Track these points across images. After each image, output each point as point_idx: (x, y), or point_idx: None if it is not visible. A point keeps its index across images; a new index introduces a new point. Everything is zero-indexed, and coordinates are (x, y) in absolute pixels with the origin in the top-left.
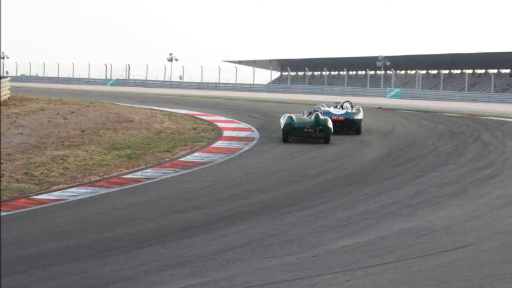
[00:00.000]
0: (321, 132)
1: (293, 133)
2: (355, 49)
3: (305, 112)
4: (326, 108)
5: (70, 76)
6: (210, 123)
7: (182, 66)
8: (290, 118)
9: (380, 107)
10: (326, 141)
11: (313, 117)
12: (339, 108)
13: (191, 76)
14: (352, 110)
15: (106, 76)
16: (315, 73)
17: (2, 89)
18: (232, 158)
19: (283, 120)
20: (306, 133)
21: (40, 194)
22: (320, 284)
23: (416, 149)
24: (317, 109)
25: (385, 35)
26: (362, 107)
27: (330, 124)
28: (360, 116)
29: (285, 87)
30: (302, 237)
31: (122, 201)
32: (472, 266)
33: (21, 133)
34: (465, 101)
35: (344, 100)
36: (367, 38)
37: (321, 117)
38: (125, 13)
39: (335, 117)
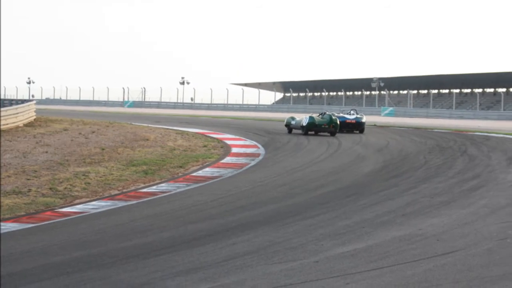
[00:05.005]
0: (333, 128)
1: (313, 129)
2: (352, 71)
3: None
4: (341, 114)
5: (91, 99)
6: (219, 140)
7: (194, 88)
8: (312, 118)
9: (375, 124)
10: (334, 134)
11: (327, 117)
12: (348, 114)
13: (202, 97)
14: (358, 115)
15: (123, 98)
16: (315, 93)
17: (28, 111)
18: (239, 172)
19: (304, 119)
20: (323, 129)
21: (64, 207)
22: (321, 287)
23: (408, 163)
24: (324, 112)
25: (379, 57)
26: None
27: (338, 122)
28: (364, 119)
29: (288, 107)
30: (304, 244)
31: (139, 213)
32: (461, 270)
33: (46, 152)
34: (453, 118)
35: (350, 108)
36: (362, 60)
37: (333, 117)
38: (141, 43)
39: (348, 120)
